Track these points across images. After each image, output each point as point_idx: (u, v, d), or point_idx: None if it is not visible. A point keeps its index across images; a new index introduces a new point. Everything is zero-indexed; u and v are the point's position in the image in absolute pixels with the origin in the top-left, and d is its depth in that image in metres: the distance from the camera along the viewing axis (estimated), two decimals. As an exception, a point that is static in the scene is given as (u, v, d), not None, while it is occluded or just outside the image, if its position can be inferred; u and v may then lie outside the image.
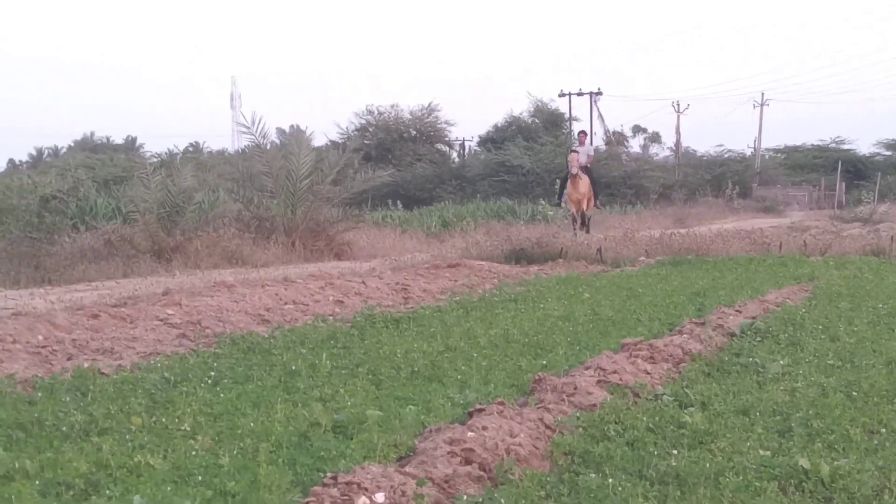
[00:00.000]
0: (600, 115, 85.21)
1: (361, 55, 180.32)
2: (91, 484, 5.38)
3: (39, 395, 7.79)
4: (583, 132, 37.77)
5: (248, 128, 28.47)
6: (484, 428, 6.29)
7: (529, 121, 77.30)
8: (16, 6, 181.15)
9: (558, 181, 37.64)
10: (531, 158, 66.01)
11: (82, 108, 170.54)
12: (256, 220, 26.06)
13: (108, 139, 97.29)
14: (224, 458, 5.80)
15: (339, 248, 26.69)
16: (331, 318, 13.23)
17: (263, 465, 5.50)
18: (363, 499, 4.99)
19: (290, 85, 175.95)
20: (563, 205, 36.00)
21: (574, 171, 32.54)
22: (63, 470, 5.50)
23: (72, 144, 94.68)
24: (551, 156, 66.50)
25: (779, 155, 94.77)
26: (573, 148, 35.10)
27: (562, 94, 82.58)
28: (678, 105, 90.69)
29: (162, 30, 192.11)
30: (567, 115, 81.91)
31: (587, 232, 32.46)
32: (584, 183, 33.11)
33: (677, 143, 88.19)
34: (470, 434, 6.14)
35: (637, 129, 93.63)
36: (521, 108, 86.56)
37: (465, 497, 5.31)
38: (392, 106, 76.53)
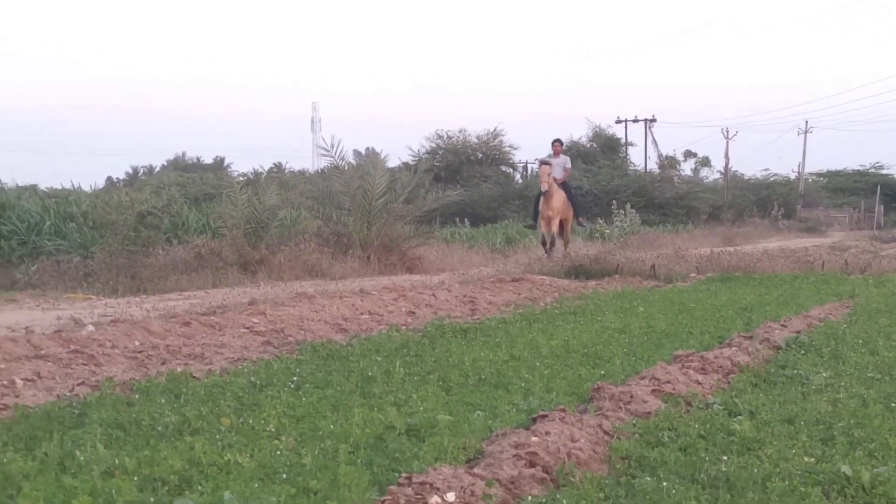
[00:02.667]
0: (654, 141, 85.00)
1: (433, 83, 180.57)
2: (184, 480, 5.41)
3: (137, 396, 7.85)
4: (557, 141, 30.88)
5: (328, 150, 28.70)
6: (547, 433, 6.29)
7: (588, 145, 77.03)
8: (116, 35, 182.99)
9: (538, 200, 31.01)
10: (589, 180, 65.75)
11: (175, 130, 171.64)
12: (335, 236, 26.16)
13: (198, 159, 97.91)
14: (306, 457, 5.82)
15: (410, 263, 26.73)
16: (403, 327, 13.24)
17: (343, 464, 5.51)
18: (435, 498, 5.00)
19: (366, 109, 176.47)
20: (536, 226, 30.93)
21: (544, 187, 28.22)
22: (159, 467, 5.53)
23: (165, 164, 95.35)
24: (608, 178, 66.33)
25: (821, 179, 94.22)
26: (543, 160, 30.53)
27: (618, 121, 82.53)
28: (727, 132, 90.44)
29: (248, 57, 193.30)
30: (623, 140, 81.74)
31: (560, 253, 28.79)
32: (559, 198, 28.87)
33: (726, 167, 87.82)
34: (534, 438, 6.13)
35: (688, 154, 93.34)
36: (580, 133, 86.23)
37: (529, 498, 5.31)
38: (460, 130, 76.52)
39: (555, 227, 28.63)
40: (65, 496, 4.88)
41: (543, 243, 29.08)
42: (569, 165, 30.74)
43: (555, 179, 28.65)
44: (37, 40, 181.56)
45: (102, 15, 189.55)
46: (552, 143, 30.28)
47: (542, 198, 28.64)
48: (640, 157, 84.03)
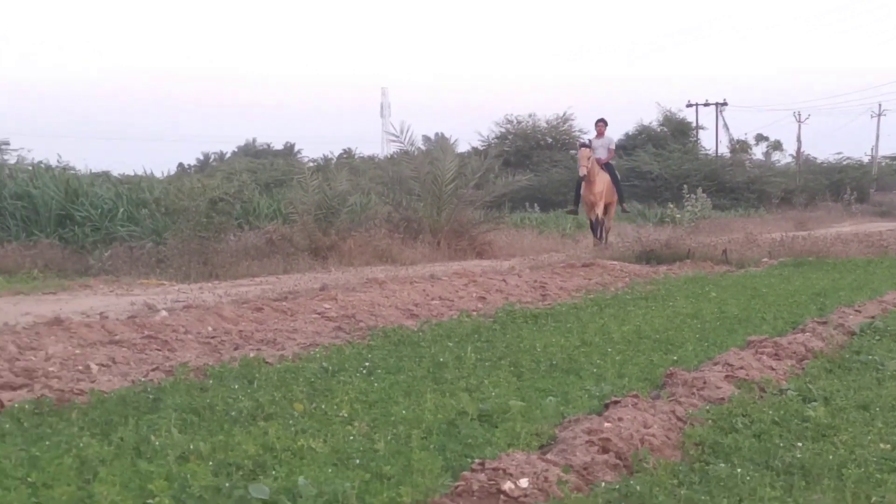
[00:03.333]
0: (725, 125, 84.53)
1: (502, 67, 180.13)
2: (259, 465, 5.44)
3: (210, 382, 7.90)
4: (601, 120, 29.20)
5: (397, 136, 28.84)
6: (620, 419, 6.27)
7: (658, 129, 76.62)
8: (188, 23, 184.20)
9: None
10: (660, 165, 65.51)
11: (245, 116, 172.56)
12: (405, 222, 26.22)
13: (268, 145, 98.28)
14: (379, 443, 5.83)
15: (480, 248, 26.73)
16: (474, 313, 13.23)
17: (416, 450, 5.51)
18: (509, 484, 4.99)
19: (435, 94, 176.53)
20: (577, 212, 31.44)
21: (582, 172, 27.40)
22: (233, 452, 5.55)
23: (236, 150, 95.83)
24: (679, 162, 66.02)
25: (895, 162, 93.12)
26: (583, 142, 30.36)
27: (689, 105, 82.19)
28: (799, 115, 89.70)
29: (318, 43, 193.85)
30: (694, 125, 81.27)
31: (603, 241, 27.74)
32: (602, 181, 27.85)
33: (798, 151, 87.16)
34: (607, 425, 6.11)
35: (760, 138, 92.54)
36: (650, 117, 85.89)
37: (602, 484, 5.28)
38: (529, 115, 76.45)
39: (600, 212, 27.90)
40: (141, 481, 4.92)
41: (593, 229, 28.60)
42: (613, 146, 29.89)
43: (598, 161, 27.93)
44: (111, 29, 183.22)
45: (176, 2, 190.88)
46: (596, 124, 29.22)
47: (583, 182, 27.92)
48: (710, 142, 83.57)
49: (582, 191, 28.21)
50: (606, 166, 28.32)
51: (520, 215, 43.09)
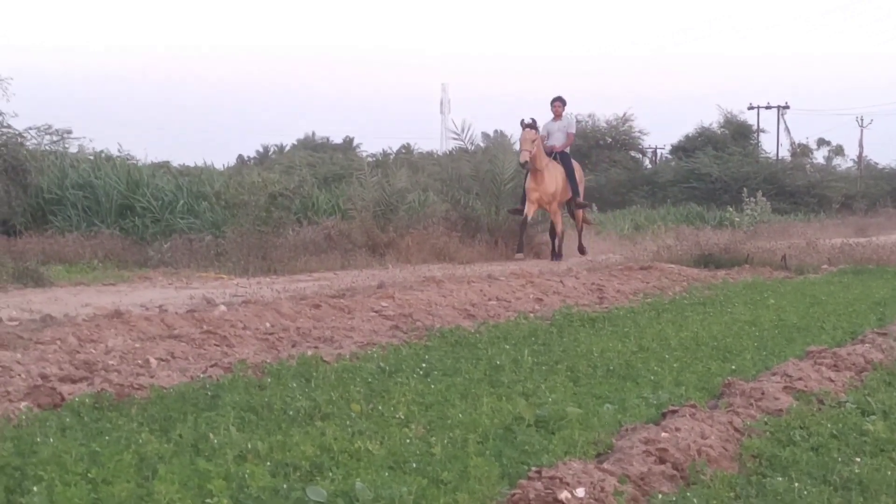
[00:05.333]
0: (787, 128, 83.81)
1: (561, 66, 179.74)
2: (316, 466, 5.45)
3: (268, 380, 7.93)
4: (558, 99, 24.79)
5: (457, 134, 28.84)
6: (677, 429, 6.25)
7: (719, 132, 76.20)
8: (247, 16, 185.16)
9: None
10: (719, 167, 65.14)
11: (306, 109, 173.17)
12: (463, 220, 26.18)
13: (328, 139, 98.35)
14: (436, 447, 5.82)
15: (538, 248, 26.69)
16: (531, 315, 13.23)
17: (473, 456, 5.50)
18: (565, 493, 4.99)
19: (495, 91, 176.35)
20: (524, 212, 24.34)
21: (524, 157, 23.23)
22: (291, 452, 5.57)
23: (295, 142, 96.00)
24: (738, 165, 65.62)
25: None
26: (527, 121, 23.70)
27: (750, 107, 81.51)
28: (861, 120, 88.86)
29: (378, 37, 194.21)
30: (755, 127, 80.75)
31: (557, 253, 24.43)
32: (553, 175, 23.82)
33: (860, 156, 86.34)
34: (664, 434, 6.09)
35: (821, 142, 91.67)
36: (710, 119, 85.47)
37: (659, 495, 5.28)
38: (589, 115, 76.44)
39: (553, 214, 24.43)
40: (199, 480, 4.95)
41: (522, 227, 24.16)
42: (573, 130, 25.85)
43: (552, 149, 24.34)
44: (174, 19, 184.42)
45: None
46: (552, 103, 24.91)
47: (528, 175, 23.92)
48: (771, 145, 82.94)
49: (526, 184, 24.04)
50: (562, 157, 24.63)
51: (578, 215, 42.99)
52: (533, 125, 23.65)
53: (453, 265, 21.62)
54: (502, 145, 29.61)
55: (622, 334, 11.19)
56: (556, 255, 24.40)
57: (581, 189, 25.27)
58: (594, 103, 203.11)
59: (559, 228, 24.96)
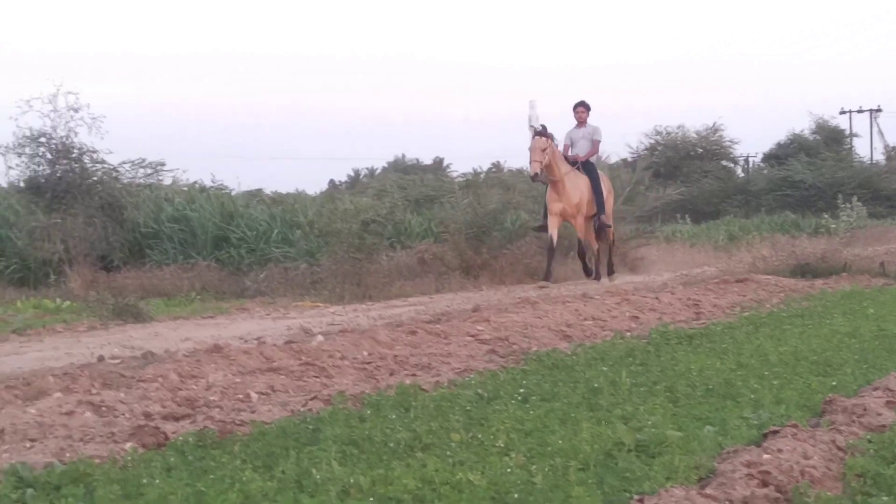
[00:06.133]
0: (880, 132, 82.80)
1: (647, 76, 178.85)
2: (418, 500, 5.46)
3: (368, 411, 7.97)
4: (581, 104, 22.47)
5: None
6: (779, 450, 6.19)
7: (811, 138, 75.54)
8: (335, 42, 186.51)
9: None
10: (813, 174, 64.60)
11: (394, 132, 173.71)
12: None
13: (417, 160, 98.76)
14: (537, 476, 5.78)
15: (632, 263, 26.61)
16: (628, 334, 13.19)
17: (574, 485, 5.50)
18: (668, 521, 4.98)
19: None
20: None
21: (534, 169, 21.09)
22: (392, 486, 5.58)
23: (385, 165, 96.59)
24: (832, 170, 64.99)
25: None
26: (537, 128, 21.41)
27: (842, 112, 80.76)
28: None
29: (463, 56, 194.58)
30: (847, 132, 79.92)
31: (593, 271, 22.57)
32: (577, 186, 21.53)
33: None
34: (766, 456, 6.04)
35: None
36: (802, 125, 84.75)
37: (764, 520, 5.24)
38: (678, 126, 76.37)
39: (580, 230, 22.18)
40: (304, 517, 5.00)
41: (551, 250, 21.65)
42: (599, 137, 22.72)
43: (576, 158, 21.94)
44: (261, 48, 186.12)
45: (325, 21, 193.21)
46: (574, 109, 22.51)
47: (549, 187, 21.79)
48: (864, 149, 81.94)
49: (547, 197, 21.91)
50: (586, 168, 22.11)
51: (671, 227, 42.82)
52: (544, 132, 21.24)
53: (547, 284, 21.58)
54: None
55: (720, 351, 11.10)
56: (592, 273, 22.49)
57: (609, 207, 22.73)
58: (683, 114, 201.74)
59: (593, 244, 23.04)
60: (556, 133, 21.96)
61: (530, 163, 21.07)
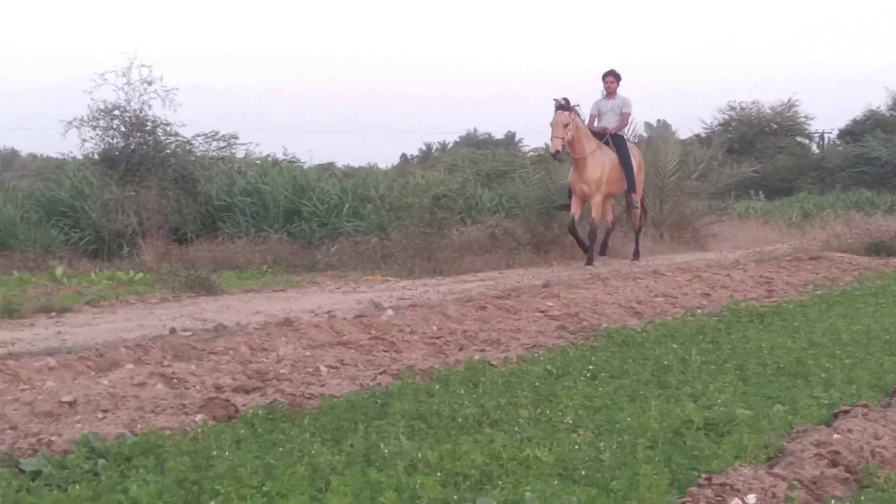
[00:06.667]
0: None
1: (722, 53, 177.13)
2: (485, 475, 5.46)
3: (436, 386, 8.00)
4: (611, 73, 21.06)
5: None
6: (849, 430, 6.15)
7: (887, 114, 74.45)
8: (409, 17, 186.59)
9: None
10: (889, 150, 63.59)
11: (467, 106, 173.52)
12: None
13: (489, 135, 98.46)
14: (605, 453, 5.77)
15: (703, 240, 26.47)
16: (698, 311, 13.12)
17: (642, 462, 5.48)
18: (736, 500, 4.95)
19: (656, 79, 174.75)
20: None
21: (555, 146, 19.60)
22: (460, 461, 5.58)
23: (457, 139, 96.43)
24: (910, 146, 64.16)
25: None
26: (560, 101, 19.85)
27: (921, 87, 79.45)
28: None
29: (536, 31, 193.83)
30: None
31: (589, 254, 20.49)
32: (600, 162, 20.18)
33: None
34: (836, 436, 6.00)
35: None
36: (878, 101, 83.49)
37: (832, 501, 5.20)
38: (753, 102, 75.65)
39: (596, 210, 20.53)
40: (371, 491, 4.99)
41: (577, 238, 20.76)
42: (629, 109, 21.31)
43: (604, 130, 20.76)
44: (333, 23, 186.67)
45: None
46: (603, 78, 21.17)
47: (573, 164, 20.50)
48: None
49: (570, 176, 20.76)
50: (615, 141, 20.85)
51: (744, 204, 42.48)
52: (566, 106, 19.73)
53: (618, 259, 21.52)
54: (665, 136, 29.37)
55: (792, 329, 11.00)
56: (589, 257, 20.44)
57: (639, 182, 21.61)
58: (758, 89, 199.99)
59: (636, 222, 22.16)
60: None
61: (551, 139, 19.79)
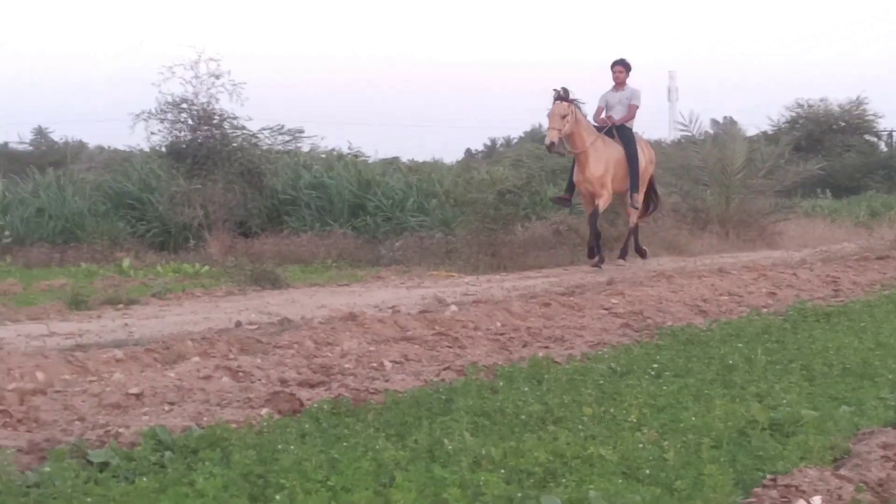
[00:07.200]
0: None
1: (789, 49, 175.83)
2: (549, 473, 5.46)
3: (500, 383, 8.00)
4: (620, 63, 19.65)
5: (686, 126, 28.67)
6: (916, 433, 6.12)
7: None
8: (472, 14, 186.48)
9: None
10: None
11: (531, 102, 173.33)
12: (692, 211, 25.95)
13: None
14: (669, 452, 5.76)
15: (770, 238, 26.27)
16: (764, 310, 13.03)
17: (706, 462, 5.46)
18: (801, 502, 4.93)
19: (723, 75, 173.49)
20: (570, 202, 20.74)
21: (550, 138, 18.41)
22: (524, 458, 5.58)
23: (522, 135, 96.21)
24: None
25: None
26: (558, 91, 18.62)
27: None
28: None
29: (603, 27, 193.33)
30: None
31: (623, 255, 19.99)
32: (603, 158, 18.87)
33: None
34: (902, 439, 5.98)
35: None
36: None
37: (899, 503, 5.18)
38: (821, 99, 74.95)
39: (603, 205, 19.10)
40: (435, 487, 5.01)
41: (592, 224, 19.26)
42: (637, 101, 19.90)
43: (609, 121, 19.56)
44: (398, 18, 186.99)
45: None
46: (612, 67, 19.74)
47: (575, 161, 19.27)
48: None
49: (574, 173, 19.45)
50: (621, 134, 19.55)
51: (811, 202, 42.08)
52: (565, 96, 18.51)
53: (683, 257, 21.43)
54: (731, 133, 29.21)
55: (859, 329, 10.88)
56: (598, 259, 19.24)
57: (644, 180, 20.19)
58: (826, 87, 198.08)
59: (631, 217, 20.22)
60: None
61: (547, 130, 18.70)
